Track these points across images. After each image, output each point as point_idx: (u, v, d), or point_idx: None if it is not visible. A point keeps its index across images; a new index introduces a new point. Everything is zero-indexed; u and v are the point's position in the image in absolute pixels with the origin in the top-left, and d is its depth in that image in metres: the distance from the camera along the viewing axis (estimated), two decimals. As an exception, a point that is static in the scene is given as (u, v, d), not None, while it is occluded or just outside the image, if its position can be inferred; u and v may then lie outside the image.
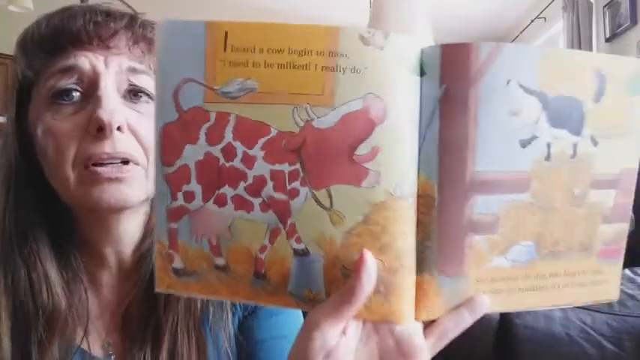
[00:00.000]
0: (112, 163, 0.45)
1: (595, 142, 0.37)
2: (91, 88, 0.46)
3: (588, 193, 0.38)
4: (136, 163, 0.46)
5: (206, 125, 0.32)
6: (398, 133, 0.32)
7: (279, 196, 0.33)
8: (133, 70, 0.48)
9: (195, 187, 0.33)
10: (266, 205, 0.33)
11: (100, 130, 0.44)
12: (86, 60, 0.46)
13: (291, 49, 0.31)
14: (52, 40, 0.46)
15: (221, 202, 0.33)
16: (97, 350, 0.51)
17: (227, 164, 0.33)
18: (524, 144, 0.34)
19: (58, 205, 0.49)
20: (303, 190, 0.33)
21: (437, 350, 0.36)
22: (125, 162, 0.46)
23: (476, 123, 0.33)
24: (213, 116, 0.32)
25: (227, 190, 0.33)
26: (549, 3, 4.32)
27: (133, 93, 0.48)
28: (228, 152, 0.33)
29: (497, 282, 0.35)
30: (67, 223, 0.50)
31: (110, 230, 0.50)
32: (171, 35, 0.32)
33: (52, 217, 0.49)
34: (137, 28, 0.48)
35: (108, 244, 0.51)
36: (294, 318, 0.58)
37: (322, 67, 0.31)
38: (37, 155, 0.47)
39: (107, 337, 0.52)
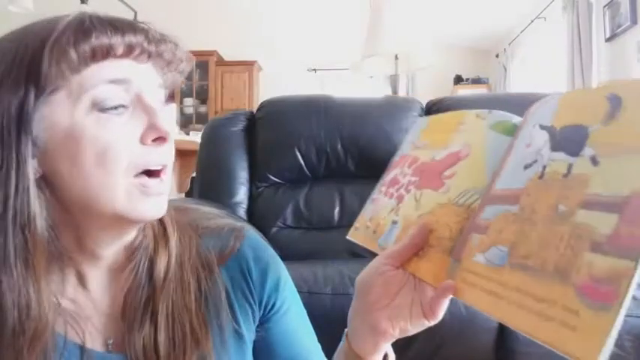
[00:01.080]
0: (157, 171, 0.47)
1: (595, 162, 0.35)
2: (137, 99, 0.47)
3: (576, 212, 0.34)
4: (166, 172, 0.49)
5: (403, 161, 0.60)
6: (470, 167, 0.49)
7: (403, 192, 0.56)
8: (160, 86, 0.51)
9: (384, 187, 0.60)
10: (397, 197, 0.56)
11: (157, 139, 0.47)
12: (134, 71, 0.47)
13: (445, 122, 0.57)
14: (109, 49, 0.45)
15: (386, 194, 0.59)
16: (98, 347, 0.51)
17: (397, 177, 0.59)
18: (526, 167, 0.41)
19: (57, 209, 0.48)
20: (412, 190, 0.54)
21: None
22: (161, 169, 0.48)
23: (509, 157, 0.45)
24: (407, 157, 0.60)
25: (390, 189, 0.59)
26: (549, 3, 4.32)
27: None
28: (402, 172, 0.59)
29: (473, 275, 0.42)
30: (61, 227, 0.49)
31: (120, 236, 0.51)
32: (416, 123, 0.64)
33: (50, 223, 0.47)
34: (176, 54, 0.51)
35: (110, 247, 0.51)
36: (299, 312, 0.61)
37: (452, 130, 0.54)
38: (50, 160, 0.45)
39: (108, 333, 0.52)
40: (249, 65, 5.88)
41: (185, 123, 5.93)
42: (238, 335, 0.55)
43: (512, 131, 0.47)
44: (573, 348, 0.31)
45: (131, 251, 0.53)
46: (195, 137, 2.84)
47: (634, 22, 3.15)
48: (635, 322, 0.95)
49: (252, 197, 1.54)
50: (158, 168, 0.48)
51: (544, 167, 0.39)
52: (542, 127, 0.42)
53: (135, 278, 0.53)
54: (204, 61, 5.82)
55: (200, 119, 5.90)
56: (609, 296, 0.30)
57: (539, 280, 0.35)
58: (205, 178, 1.58)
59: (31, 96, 0.43)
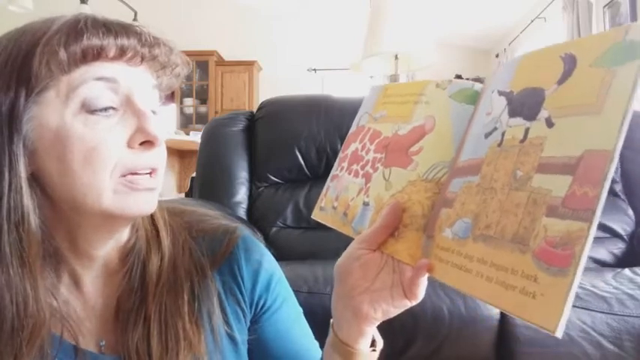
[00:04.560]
0: (145, 174, 0.47)
1: (550, 124, 0.34)
2: (126, 101, 0.47)
3: (532, 177, 0.34)
4: (157, 172, 0.49)
5: (362, 133, 0.57)
6: (437, 140, 0.48)
7: (370, 170, 0.53)
8: (154, 87, 0.50)
9: (345, 163, 0.58)
10: (363, 175, 0.54)
11: (145, 143, 0.47)
12: (124, 73, 0.47)
13: (403, 94, 0.54)
14: (100, 51, 0.45)
15: (349, 172, 0.56)
16: (91, 348, 0.52)
17: (359, 153, 0.56)
18: (487, 135, 0.40)
19: (47, 209, 0.48)
20: (380, 168, 0.52)
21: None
22: (148, 172, 0.48)
23: (470, 127, 0.44)
24: (366, 129, 0.57)
25: (353, 167, 0.56)
26: (549, 3, 4.32)
27: (153, 112, 0.50)
28: (363, 147, 0.55)
29: (444, 251, 0.41)
30: (53, 227, 0.49)
31: (111, 235, 0.51)
32: (370, 91, 0.60)
33: (42, 222, 0.47)
34: (171, 58, 0.51)
35: (103, 247, 0.51)
36: (292, 310, 0.61)
37: (413, 101, 0.52)
38: (38, 159, 0.46)
39: (100, 335, 0.52)
40: (249, 65, 5.87)
41: (185, 123, 5.93)
42: (231, 337, 0.55)
43: (473, 99, 0.46)
44: (534, 315, 0.31)
45: (124, 254, 0.53)
46: (195, 137, 2.84)
47: (634, 22, 3.15)
48: (635, 322, 0.95)
49: (252, 197, 1.54)
50: (146, 172, 0.47)
51: (503, 134, 0.39)
52: (501, 93, 0.41)
53: (128, 282, 0.53)
54: (204, 61, 5.81)
55: (200, 119, 5.90)
56: (565, 260, 0.30)
57: (500, 249, 0.35)
58: (205, 178, 1.57)
59: (22, 95, 0.44)
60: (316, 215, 0.59)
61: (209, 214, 0.62)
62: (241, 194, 1.53)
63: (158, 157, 0.48)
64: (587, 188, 0.30)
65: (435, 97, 0.50)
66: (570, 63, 0.34)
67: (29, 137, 0.45)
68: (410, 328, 0.99)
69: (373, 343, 0.53)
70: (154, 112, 0.50)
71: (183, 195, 2.97)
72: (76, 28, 0.45)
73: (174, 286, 0.53)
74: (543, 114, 0.35)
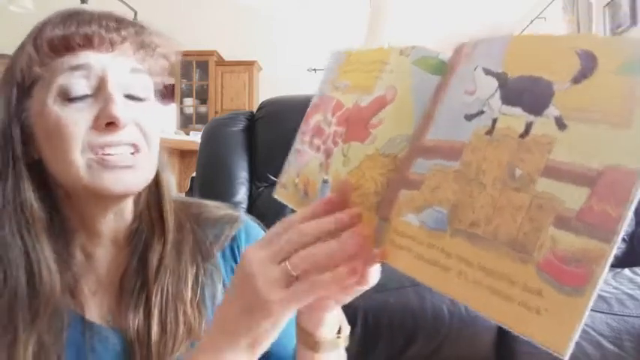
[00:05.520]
0: (121, 153, 0.49)
1: (562, 125, 0.31)
2: (98, 86, 0.49)
3: (536, 180, 0.31)
4: (140, 151, 0.50)
5: (325, 104, 0.53)
6: (396, 111, 0.44)
7: (331, 145, 0.49)
8: (135, 71, 0.51)
9: (309, 137, 0.53)
10: (324, 150, 0.50)
11: (109, 125, 0.48)
12: (96, 60, 0.49)
13: (367, 61, 0.49)
14: (65, 41, 0.48)
15: (311, 146, 0.52)
16: (99, 321, 0.54)
17: (321, 125, 0.52)
18: (470, 118, 0.37)
19: (55, 189, 0.52)
20: (340, 143, 0.48)
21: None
22: (132, 151, 0.50)
23: (441, 102, 0.40)
24: (329, 99, 0.52)
25: (315, 140, 0.52)
26: (549, 3, 4.33)
27: (133, 94, 0.51)
28: (325, 119, 0.52)
29: (405, 239, 0.38)
30: (63, 206, 0.53)
31: (111, 211, 0.53)
32: (330, 57, 0.56)
33: (50, 201, 0.51)
34: (145, 37, 0.52)
35: (107, 222, 0.54)
36: None
37: (378, 70, 0.47)
38: (38, 144, 0.50)
39: (106, 308, 0.55)
40: (249, 65, 5.87)
41: (185, 123, 5.93)
42: None
43: (438, 69, 0.42)
44: (538, 332, 0.29)
45: (130, 233, 0.56)
46: (195, 137, 2.84)
47: (634, 22, 3.15)
48: (635, 322, 0.95)
49: (252, 197, 1.54)
50: (115, 152, 0.49)
51: (494, 121, 0.35)
52: (489, 73, 0.37)
53: (130, 263, 0.55)
54: (204, 61, 5.82)
55: (200, 119, 5.89)
56: (580, 279, 0.28)
57: (491, 252, 0.32)
58: (205, 178, 1.58)
59: (14, 92, 0.49)
60: (278, 193, 0.54)
61: (214, 204, 0.64)
62: (241, 194, 1.53)
63: (128, 136, 0.50)
64: (607, 206, 0.28)
65: (398, 66, 0.46)
66: (589, 61, 0.31)
67: (27, 126, 0.50)
68: (410, 327, 0.99)
69: (340, 330, 0.51)
70: (138, 98, 0.51)
71: (183, 195, 2.97)
72: (44, 23, 0.49)
73: (177, 271, 0.55)
74: (552, 111, 0.32)
